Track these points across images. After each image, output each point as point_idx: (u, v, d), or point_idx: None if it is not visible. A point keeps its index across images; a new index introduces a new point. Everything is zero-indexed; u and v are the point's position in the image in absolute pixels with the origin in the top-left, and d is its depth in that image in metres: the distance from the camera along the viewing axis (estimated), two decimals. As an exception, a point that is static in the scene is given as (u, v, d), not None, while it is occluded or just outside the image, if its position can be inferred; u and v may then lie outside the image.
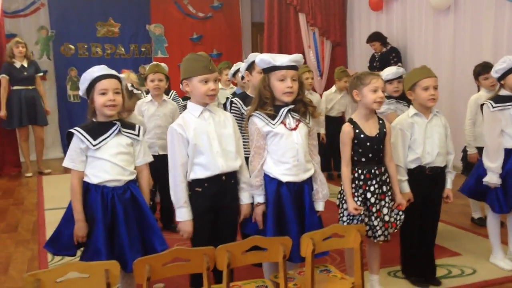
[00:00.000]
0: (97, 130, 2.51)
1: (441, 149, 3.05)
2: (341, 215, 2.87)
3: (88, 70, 2.52)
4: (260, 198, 2.62)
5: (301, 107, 2.65)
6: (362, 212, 2.77)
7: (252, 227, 2.67)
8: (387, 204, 2.83)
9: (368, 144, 2.80)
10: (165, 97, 4.36)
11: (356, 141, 2.81)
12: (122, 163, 2.52)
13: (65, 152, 2.58)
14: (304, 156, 2.63)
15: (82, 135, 2.48)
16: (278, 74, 2.58)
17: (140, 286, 2.04)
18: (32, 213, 5.15)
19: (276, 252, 2.17)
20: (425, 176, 3.05)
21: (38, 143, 7.09)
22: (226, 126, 2.61)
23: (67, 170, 2.57)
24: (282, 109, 2.61)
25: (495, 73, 3.35)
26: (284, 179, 2.60)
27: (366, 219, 2.80)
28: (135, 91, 3.65)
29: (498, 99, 3.31)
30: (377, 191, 2.80)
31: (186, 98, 5.51)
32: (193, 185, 2.55)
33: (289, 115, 2.63)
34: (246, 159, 2.73)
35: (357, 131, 2.81)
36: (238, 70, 4.13)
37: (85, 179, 2.52)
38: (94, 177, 2.50)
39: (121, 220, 2.47)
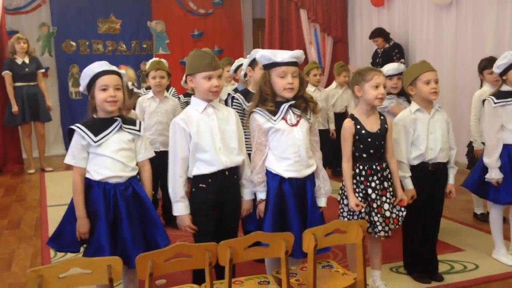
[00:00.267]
0: (98, 127, 2.51)
1: (443, 144, 3.05)
2: (341, 210, 2.87)
3: (89, 66, 2.52)
4: (262, 195, 2.62)
5: (302, 103, 2.65)
6: (363, 209, 2.77)
7: (254, 223, 2.67)
8: (388, 200, 2.83)
9: (369, 140, 2.80)
10: (166, 93, 4.36)
11: (357, 137, 2.80)
12: (123, 159, 2.52)
13: (67, 149, 2.58)
14: (306, 152, 2.63)
15: (83, 131, 2.48)
16: (279, 70, 2.58)
17: (142, 282, 2.05)
18: (34, 209, 5.16)
19: (278, 247, 2.17)
20: (427, 172, 3.05)
21: (39, 139, 7.09)
22: (229, 122, 2.62)
23: (69, 167, 2.57)
24: (283, 105, 2.61)
25: (497, 68, 3.34)
26: (286, 175, 2.60)
27: (367, 217, 2.80)
28: (135, 90, 3.67)
29: (500, 95, 3.31)
30: (378, 187, 2.80)
31: (187, 95, 5.52)
32: (197, 181, 2.56)
33: (290, 111, 2.63)
34: (249, 155, 2.73)
35: (358, 127, 2.81)
36: (240, 67, 4.13)
37: (87, 175, 2.52)
38: (96, 173, 2.50)
39: (124, 216, 2.48)
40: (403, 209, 2.88)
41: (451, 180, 3.13)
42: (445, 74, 6.52)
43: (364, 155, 2.82)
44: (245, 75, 3.54)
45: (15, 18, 8.24)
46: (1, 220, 4.79)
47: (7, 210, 5.18)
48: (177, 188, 2.54)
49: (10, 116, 6.80)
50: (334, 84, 6.37)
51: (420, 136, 3.03)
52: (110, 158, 2.50)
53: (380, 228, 2.79)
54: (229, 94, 3.73)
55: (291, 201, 2.59)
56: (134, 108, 4.15)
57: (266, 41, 8.52)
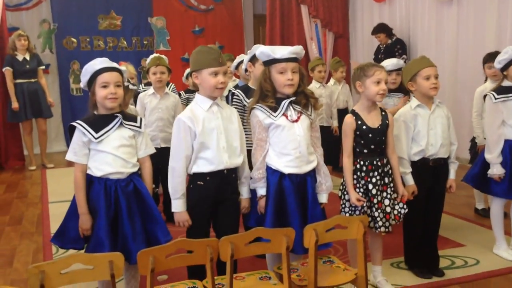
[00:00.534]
0: (99, 123, 2.51)
1: (444, 140, 3.05)
2: (343, 206, 2.87)
3: (90, 63, 2.52)
4: (262, 191, 2.62)
5: (303, 99, 2.64)
6: (364, 204, 2.77)
7: (255, 219, 2.67)
8: (388, 196, 2.83)
9: (370, 135, 2.80)
10: (167, 90, 4.36)
11: (358, 133, 2.80)
12: (124, 155, 2.53)
13: (68, 145, 2.59)
14: (307, 148, 2.63)
15: (84, 128, 2.49)
16: (278, 66, 2.58)
17: (144, 278, 2.05)
18: (36, 206, 5.17)
19: (279, 243, 2.18)
20: (428, 168, 3.05)
21: (41, 136, 7.10)
22: (232, 121, 2.62)
23: (70, 163, 2.58)
24: (284, 101, 2.61)
25: (497, 63, 3.34)
26: (286, 171, 2.60)
27: (368, 210, 2.80)
28: (130, 86, 3.67)
29: (500, 90, 3.30)
30: (378, 182, 2.80)
31: (188, 91, 5.52)
32: (195, 179, 2.56)
33: (291, 107, 2.63)
34: (249, 152, 2.73)
35: (359, 122, 2.81)
36: (241, 63, 4.13)
37: (88, 172, 2.52)
38: (97, 170, 2.50)
39: (124, 212, 2.48)
40: (405, 206, 2.88)
41: (451, 175, 3.13)
42: (447, 69, 6.51)
43: (365, 151, 2.82)
44: (246, 70, 3.54)
45: (16, 14, 8.23)
46: (2, 217, 4.81)
47: (9, 206, 5.19)
48: (177, 185, 2.54)
49: (12, 112, 6.80)
50: (332, 80, 6.34)
51: (421, 132, 3.02)
52: (111, 154, 2.50)
53: (380, 223, 2.79)
54: (229, 91, 3.74)
55: (291, 197, 2.59)
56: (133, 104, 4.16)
57: (267, 37, 8.51)
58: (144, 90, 4.61)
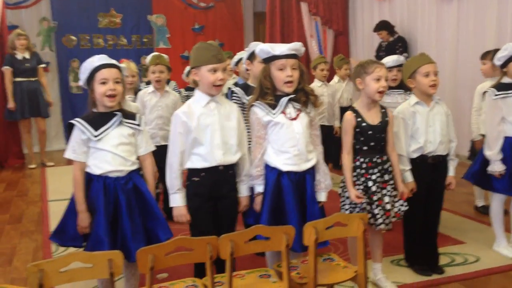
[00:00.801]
0: (98, 121, 2.51)
1: (443, 137, 3.04)
2: (343, 203, 2.87)
3: (88, 60, 2.52)
4: (260, 188, 2.62)
5: (302, 96, 2.64)
6: (364, 201, 2.77)
7: (254, 217, 2.67)
8: (388, 193, 2.82)
9: (370, 132, 2.79)
10: (167, 88, 4.35)
11: (358, 130, 2.80)
12: (123, 153, 2.52)
13: (68, 143, 2.58)
14: (306, 146, 2.63)
15: (83, 126, 2.48)
16: (278, 63, 2.57)
17: (143, 276, 2.05)
18: (36, 204, 5.17)
19: (279, 241, 2.17)
20: (427, 164, 3.05)
21: (40, 135, 7.09)
22: (230, 118, 2.61)
23: (70, 162, 2.57)
24: (282, 99, 2.60)
25: (497, 60, 3.33)
26: (285, 168, 2.60)
27: (368, 207, 2.80)
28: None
29: (500, 87, 3.30)
30: (378, 179, 2.80)
31: (188, 89, 5.51)
32: (190, 174, 2.57)
33: (290, 105, 2.62)
34: (248, 149, 2.72)
35: (359, 119, 2.80)
36: (240, 60, 4.12)
37: (88, 170, 2.52)
38: (96, 168, 2.50)
39: (124, 210, 2.48)
40: (405, 203, 2.88)
41: (451, 172, 3.13)
42: (447, 67, 6.50)
43: (365, 148, 2.81)
44: (247, 69, 3.53)
45: (15, 12, 8.21)
46: (2, 215, 4.81)
47: (9, 205, 5.19)
48: (174, 180, 2.55)
49: (8, 111, 6.80)
50: (336, 78, 6.17)
51: (419, 129, 3.02)
52: (110, 152, 2.50)
53: (380, 220, 2.79)
54: (229, 88, 3.73)
55: (289, 195, 2.59)
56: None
57: (267, 34, 8.49)
58: (145, 88, 4.60)
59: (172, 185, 2.56)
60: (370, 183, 2.79)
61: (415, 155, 3.04)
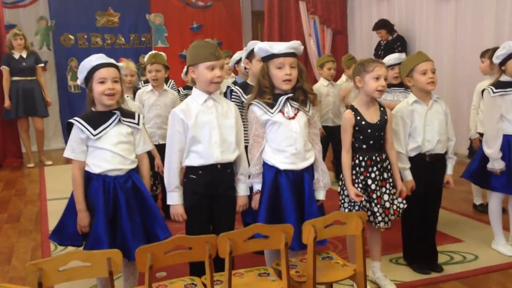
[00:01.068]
0: (97, 120, 2.50)
1: (441, 136, 3.05)
2: (342, 201, 2.87)
3: (87, 59, 2.51)
4: (259, 186, 2.62)
5: (301, 95, 2.63)
6: (363, 199, 2.77)
7: (253, 215, 2.67)
8: (387, 191, 2.83)
9: (369, 131, 2.80)
10: (165, 86, 4.34)
11: (357, 128, 2.80)
12: (122, 152, 2.52)
13: (66, 142, 2.58)
14: (304, 145, 2.62)
15: (82, 125, 2.48)
16: (276, 62, 2.57)
17: (142, 275, 2.05)
18: (34, 203, 5.17)
19: (277, 239, 2.17)
20: (425, 163, 3.05)
21: (38, 134, 7.08)
22: (228, 116, 2.60)
23: (68, 161, 2.57)
24: (281, 98, 2.60)
25: (496, 59, 3.34)
26: (282, 167, 2.59)
27: (368, 205, 2.80)
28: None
29: (499, 85, 3.30)
30: (378, 178, 2.80)
31: (187, 87, 5.50)
32: (188, 172, 2.56)
33: (288, 103, 2.62)
34: (245, 147, 2.72)
35: (358, 118, 2.80)
36: (240, 59, 4.11)
37: (87, 168, 2.52)
38: (95, 166, 2.50)
39: (123, 209, 2.48)
40: (404, 201, 2.88)
41: (449, 170, 3.13)
42: (445, 66, 6.51)
43: (364, 146, 2.82)
44: (245, 67, 3.53)
45: (13, 11, 8.20)
46: (1, 214, 4.80)
47: (7, 204, 5.18)
48: (172, 178, 2.54)
49: (4, 110, 6.80)
50: (344, 77, 5.84)
51: (417, 128, 3.02)
52: (109, 151, 2.49)
53: (380, 219, 2.79)
54: (228, 87, 3.73)
55: (287, 193, 2.58)
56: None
57: (265, 33, 8.50)
58: (144, 86, 4.59)
59: (169, 183, 2.55)
60: (369, 181, 2.79)
61: (413, 154, 3.04)
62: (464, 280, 3.07)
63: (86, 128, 2.47)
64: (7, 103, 6.70)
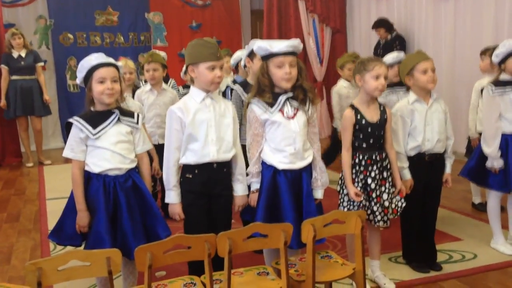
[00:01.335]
0: (96, 119, 2.50)
1: (440, 135, 3.05)
2: (341, 200, 2.87)
3: (86, 58, 2.51)
4: (257, 185, 2.62)
5: (300, 93, 2.62)
6: (362, 198, 2.77)
7: (250, 213, 2.67)
8: (387, 190, 2.83)
9: (369, 130, 2.80)
10: (164, 85, 4.34)
11: (357, 127, 2.80)
12: (122, 151, 2.52)
13: (65, 142, 2.57)
14: (303, 144, 2.62)
15: (82, 124, 2.48)
16: (276, 60, 2.56)
17: (141, 274, 2.05)
18: (33, 203, 5.16)
19: (277, 238, 2.17)
20: (424, 162, 3.05)
21: (36, 134, 7.08)
22: (225, 115, 2.60)
23: (67, 160, 2.57)
24: (280, 97, 2.59)
25: (495, 57, 3.33)
26: (281, 166, 2.59)
27: (367, 204, 2.80)
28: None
29: (498, 84, 3.30)
30: (377, 176, 2.80)
31: (186, 87, 5.49)
32: (184, 171, 2.56)
33: (288, 103, 2.61)
34: (243, 147, 2.72)
35: (358, 116, 2.80)
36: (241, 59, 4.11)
37: (86, 168, 2.52)
38: (95, 166, 2.50)
39: (124, 208, 2.48)
40: (402, 200, 2.88)
41: (448, 169, 3.14)
42: (444, 65, 6.51)
43: (364, 145, 2.82)
44: (245, 66, 3.53)
45: (12, 11, 8.20)
46: (0, 214, 4.79)
47: (6, 203, 5.18)
48: (170, 177, 2.54)
49: (1, 109, 6.81)
50: (343, 82, 5.98)
51: (417, 127, 3.02)
52: (109, 150, 2.49)
53: (379, 217, 2.80)
54: (227, 86, 3.72)
55: (285, 192, 2.58)
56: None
57: (264, 32, 8.49)
58: (143, 86, 4.59)
59: (168, 182, 2.55)
60: (369, 180, 2.79)
61: (412, 153, 3.04)
62: (463, 279, 3.07)
63: (86, 128, 2.47)
64: (2, 102, 6.70)
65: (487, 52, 4.07)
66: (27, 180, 6.26)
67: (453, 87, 6.49)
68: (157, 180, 4.25)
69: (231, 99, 3.44)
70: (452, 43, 6.55)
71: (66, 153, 2.53)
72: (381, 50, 7.19)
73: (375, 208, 2.79)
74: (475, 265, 3.24)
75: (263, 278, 2.30)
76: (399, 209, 2.88)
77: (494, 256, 3.36)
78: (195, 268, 2.41)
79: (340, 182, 2.90)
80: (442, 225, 3.82)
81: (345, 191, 2.84)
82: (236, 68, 4.26)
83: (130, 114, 2.61)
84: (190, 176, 2.54)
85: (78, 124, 2.48)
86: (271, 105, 2.59)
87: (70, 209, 2.56)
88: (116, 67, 2.55)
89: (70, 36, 8.64)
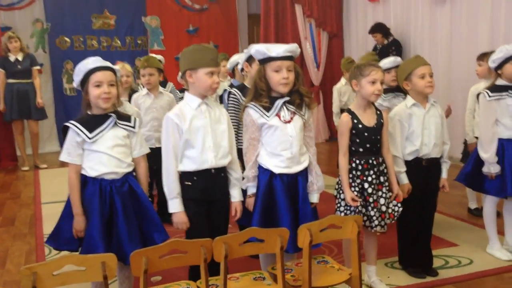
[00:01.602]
0: (93, 123, 2.50)
1: (437, 140, 3.06)
2: (338, 205, 2.87)
3: (83, 62, 2.50)
4: (253, 189, 2.62)
5: (297, 98, 2.62)
6: (359, 203, 2.77)
7: (246, 218, 2.66)
8: (384, 195, 2.83)
9: (366, 134, 2.80)
10: (161, 89, 4.33)
11: (354, 131, 2.80)
12: (119, 155, 2.51)
13: (61, 145, 2.57)
14: (299, 148, 2.62)
15: (78, 128, 2.47)
16: (274, 65, 2.56)
17: (137, 279, 2.04)
18: (29, 207, 5.14)
19: (273, 243, 2.17)
20: (421, 167, 3.05)
21: (33, 137, 7.05)
22: (221, 121, 2.59)
23: (63, 164, 2.56)
24: (277, 102, 2.59)
25: (492, 62, 3.34)
26: (277, 171, 2.59)
27: (364, 210, 2.80)
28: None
29: (494, 89, 3.31)
30: (374, 181, 2.80)
31: (183, 91, 5.49)
32: (183, 178, 2.54)
33: (284, 107, 2.61)
34: (239, 150, 2.71)
35: (355, 121, 2.81)
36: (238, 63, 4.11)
37: (83, 172, 2.51)
38: (92, 170, 2.49)
39: (120, 212, 2.47)
40: (399, 205, 2.88)
41: (444, 174, 3.14)
42: (440, 69, 6.53)
43: (361, 150, 2.82)
44: (242, 69, 3.53)
45: (8, 14, 8.18)
46: (-5, 217, 4.78)
47: (2, 207, 5.16)
48: (172, 185, 2.51)
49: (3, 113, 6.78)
50: (343, 80, 5.77)
51: (415, 131, 3.03)
52: (105, 154, 2.48)
53: (376, 222, 2.79)
54: (225, 90, 3.73)
55: (281, 197, 2.58)
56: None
57: (261, 36, 8.51)
58: (140, 90, 4.58)
59: (170, 190, 2.52)
60: (366, 185, 2.79)
61: (410, 158, 3.04)
62: (459, 284, 3.07)
63: (82, 131, 2.46)
64: (1, 106, 6.68)
65: (485, 57, 4.07)
66: (22, 184, 6.23)
67: (449, 91, 6.51)
68: (153, 183, 4.25)
69: (228, 102, 3.43)
70: (448, 48, 6.57)
71: (63, 157, 2.52)
72: (377, 55, 7.19)
73: (372, 213, 2.79)
74: (471, 270, 3.24)
75: (259, 283, 2.29)
76: (396, 213, 2.88)
77: (490, 262, 3.36)
78: (196, 273, 2.40)
79: (337, 186, 2.90)
80: (438, 231, 3.82)
81: (342, 196, 2.84)
82: (232, 72, 4.26)
83: (127, 118, 2.60)
84: (190, 184, 2.53)
85: (75, 128, 2.47)
86: (268, 109, 2.59)
87: (67, 213, 2.55)
88: (113, 71, 2.54)
89: (67, 39, 8.62)
